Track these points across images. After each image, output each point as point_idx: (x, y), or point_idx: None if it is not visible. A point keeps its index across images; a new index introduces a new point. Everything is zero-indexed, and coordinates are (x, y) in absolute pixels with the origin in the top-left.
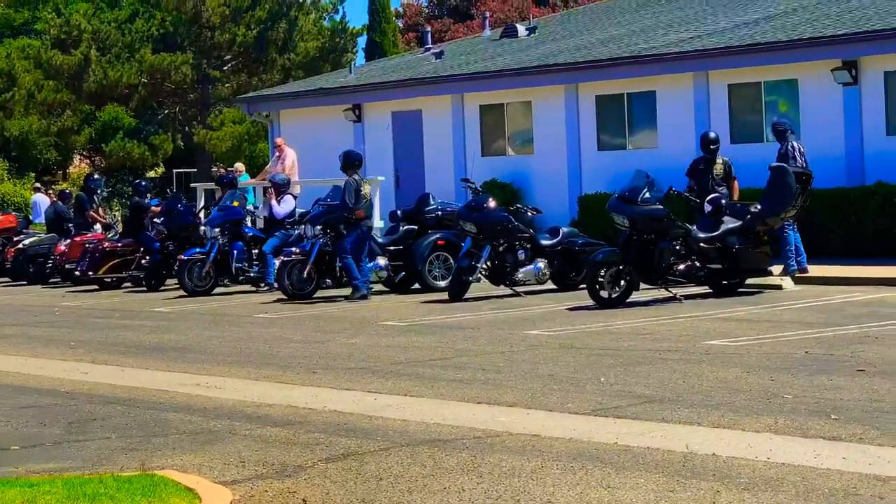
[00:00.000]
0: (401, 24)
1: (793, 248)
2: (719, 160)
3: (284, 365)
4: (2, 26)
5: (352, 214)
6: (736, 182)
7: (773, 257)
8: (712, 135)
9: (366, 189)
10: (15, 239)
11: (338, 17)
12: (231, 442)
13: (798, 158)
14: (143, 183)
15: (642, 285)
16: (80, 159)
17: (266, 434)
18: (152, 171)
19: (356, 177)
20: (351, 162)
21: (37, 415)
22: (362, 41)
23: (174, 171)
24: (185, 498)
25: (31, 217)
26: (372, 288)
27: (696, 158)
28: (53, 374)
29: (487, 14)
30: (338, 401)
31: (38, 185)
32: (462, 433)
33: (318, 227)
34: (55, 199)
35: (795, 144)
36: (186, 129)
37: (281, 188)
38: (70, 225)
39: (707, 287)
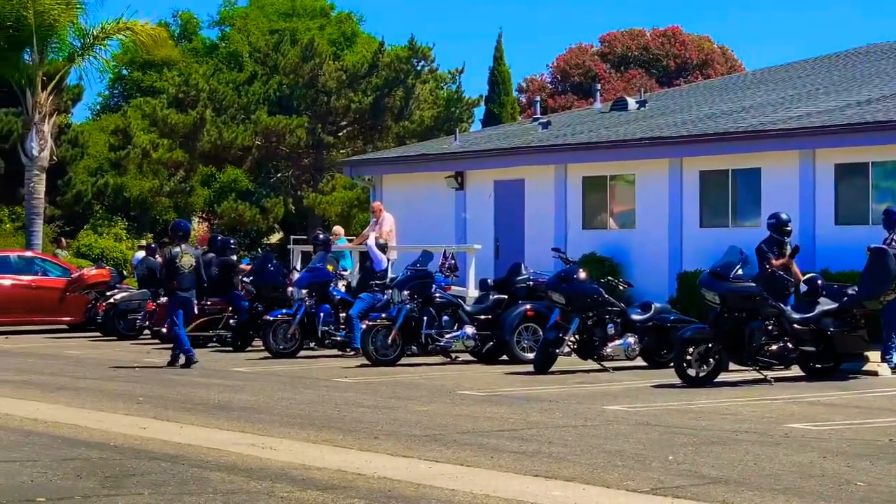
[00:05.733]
0: (523, 99)
1: None
2: (789, 244)
3: (348, 429)
4: (130, 88)
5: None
6: (796, 266)
7: (869, 342)
8: (785, 216)
9: (184, 261)
10: (108, 294)
11: (454, 87)
12: None
13: None
14: (233, 241)
15: (732, 366)
16: (198, 221)
17: (304, 498)
18: (272, 237)
19: (177, 249)
20: (174, 233)
21: (77, 467)
22: (480, 112)
23: (292, 237)
24: None
25: (125, 273)
26: (458, 357)
27: (768, 240)
28: (111, 427)
29: (598, 86)
30: (390, 467)
31: (142, 243)
32: None
33: (406, 293)
34: (147, 254)
35: None
36: (298, 192)
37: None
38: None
39: (799, 370)
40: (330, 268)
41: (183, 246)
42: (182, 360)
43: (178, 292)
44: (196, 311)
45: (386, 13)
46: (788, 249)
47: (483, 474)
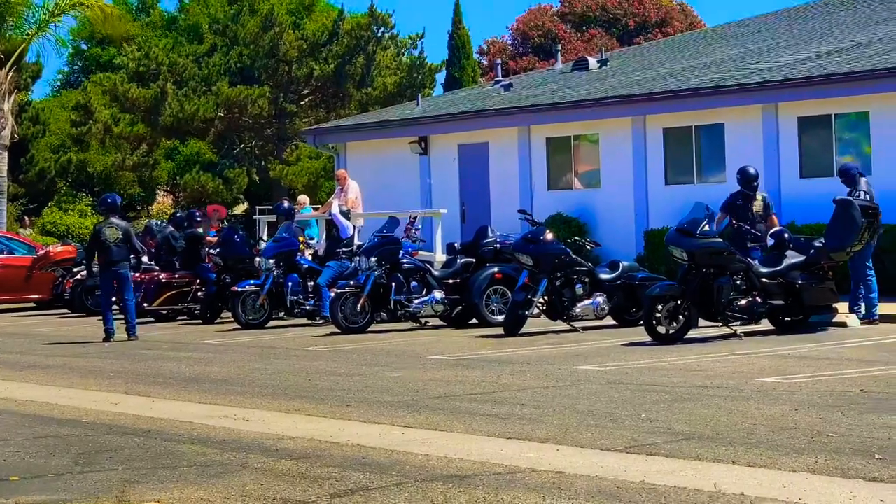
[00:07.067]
0: (484, 62)
1: (874, 295)
2: (758, 196)
3: (320, 398)
4: (90, 64)
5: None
6: (775, 218)
7: (837, 294)
8: (752, 170)
9: (108, 234)
10: (74, 270)
11: (416, 53)
12: (239, 475)
13: (863, 195)
14: (199, 213)
15: (702, 322)
16: (163, 195)
17: (279, 468)
18: (238, 208)
19: (101, 222)
20: (102, 207)
21: (49, 445)
22: (441, 77)
23: (257, 207)
24: None
25: None
26: (428, 322)
27: (734, 194)
28: (82, 404)
29: (559, 47)
30: (363, 434)
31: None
32: (483, 469)
33: (374, 259)
34: None
35: (863, 185)
36: (262, 163)
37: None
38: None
39: (769, 324)
40: (301, 239)
41: (112, 219)
42: (105, 335)
43: (109, 266)
44: (137, 281)
45: None
46: (758, 202)
47: (457, 438)
